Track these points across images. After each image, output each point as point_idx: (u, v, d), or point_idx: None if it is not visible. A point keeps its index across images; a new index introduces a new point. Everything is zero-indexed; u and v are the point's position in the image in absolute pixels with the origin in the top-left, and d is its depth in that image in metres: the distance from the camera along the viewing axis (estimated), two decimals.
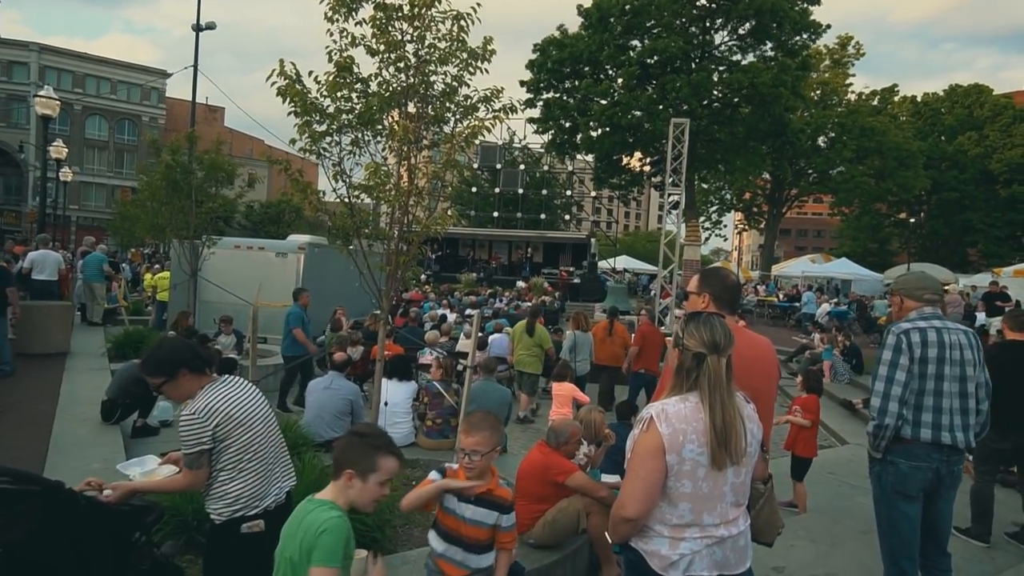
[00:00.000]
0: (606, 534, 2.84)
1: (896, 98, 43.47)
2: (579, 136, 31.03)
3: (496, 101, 4.58)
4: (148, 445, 6.19)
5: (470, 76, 4.59)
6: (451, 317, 15.19)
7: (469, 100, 4.63)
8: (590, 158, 34.63)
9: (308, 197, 4.79)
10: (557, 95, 31.10)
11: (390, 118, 4.64)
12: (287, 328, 9.08)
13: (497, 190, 35.85)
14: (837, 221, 60.82)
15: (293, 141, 4.63)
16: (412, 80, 4.53)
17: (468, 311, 15.41)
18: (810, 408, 5.84)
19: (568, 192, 38.50)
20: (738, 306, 2.72)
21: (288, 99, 4.45)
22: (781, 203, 42.98)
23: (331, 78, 4.43)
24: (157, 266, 16.63)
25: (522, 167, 36.95)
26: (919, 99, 47.12)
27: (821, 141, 36.13)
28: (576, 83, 29.98)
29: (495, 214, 36.10)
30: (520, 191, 35.79)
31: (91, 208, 51.30)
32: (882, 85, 43.84)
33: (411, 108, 4.64)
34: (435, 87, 4.58)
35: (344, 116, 4.47)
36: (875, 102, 41.51)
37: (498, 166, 36.16)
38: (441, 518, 2.71)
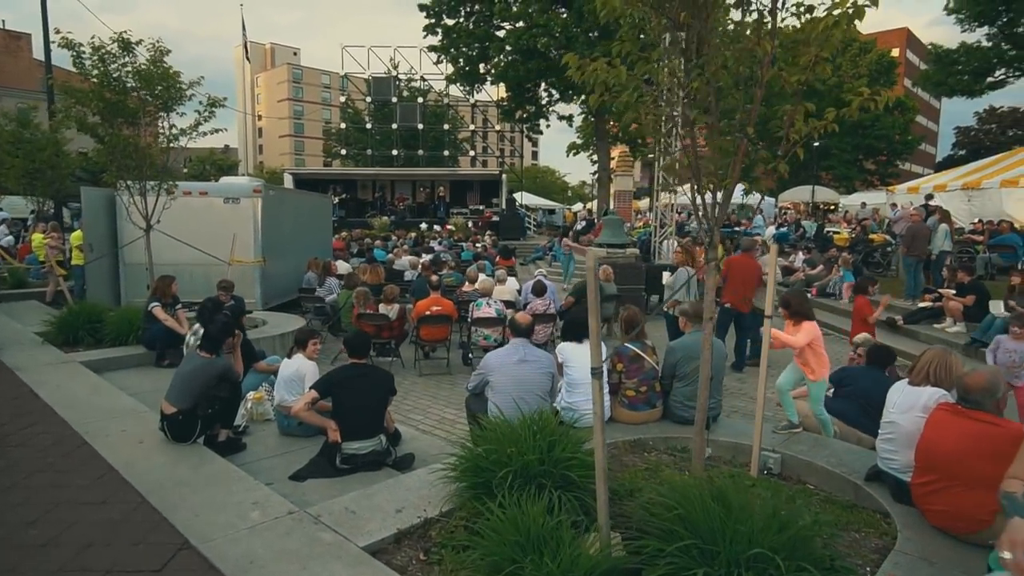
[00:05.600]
0: None
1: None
2: (487, 64, 29.17)
3: None
4: (252, 468, 4.39)
5: None
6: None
7: None
8: (491, 89, 32.84)
9: None
10: (460, 20, 28.77)
11: None
12: None
13: (395, 126, 33.08)
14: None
15: None
16: None
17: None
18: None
19: (472, 127, 36.47)
20: None
21: None
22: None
23: None
24: (42, 224, 13.00)
25: (420, 100, 34.27)
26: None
27: None
28: (482, 7, 27.89)
29: (395, 152, 33.38)
30: (420, 127, 33.34)
31: None
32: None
33: None
34: None
35: None
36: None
37: (393, 100, 33.31)
38: None
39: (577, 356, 4.78)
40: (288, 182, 29.18)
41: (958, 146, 53.10)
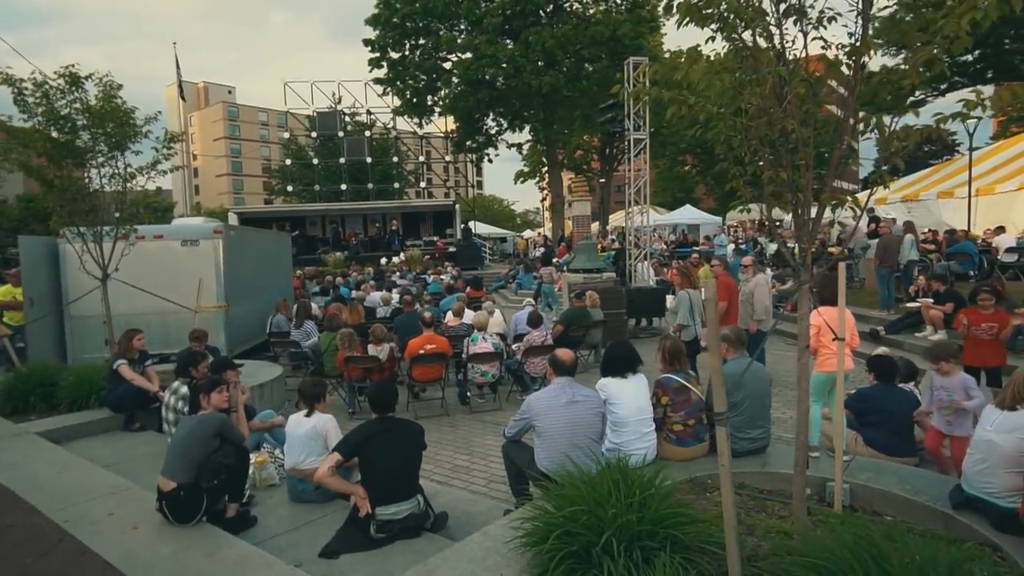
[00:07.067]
0: None
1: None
2: (435, 96, 29.14)
3: None
4: (271, 546, 3.82)
5: None
6: (395, 298, 13.01)
7: None
8: (439, 121, 32.67)
9: None
10: (406, 54, 28.65)
11: None
12: None
13: (342, 160, 32.40)
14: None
15: None
16: None
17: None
18: None
19: (420, 158, 36.16)
20: None
21: None
22: (612, 160, 44.76)
23: None
24: None
25: (368, 134, 33.77)
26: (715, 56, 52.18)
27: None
28: (426, 41, 27.88)
29: (343, 187, 32.65)
30: (368, 160, 32.75)
31: None
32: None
33: None
34: None
35: None
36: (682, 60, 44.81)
37: (340, 134, 32.70)
38: None
39: (622, 392, 4.42)
40: (233, 221, 28.00)
41: (879, 162, 56.30)
